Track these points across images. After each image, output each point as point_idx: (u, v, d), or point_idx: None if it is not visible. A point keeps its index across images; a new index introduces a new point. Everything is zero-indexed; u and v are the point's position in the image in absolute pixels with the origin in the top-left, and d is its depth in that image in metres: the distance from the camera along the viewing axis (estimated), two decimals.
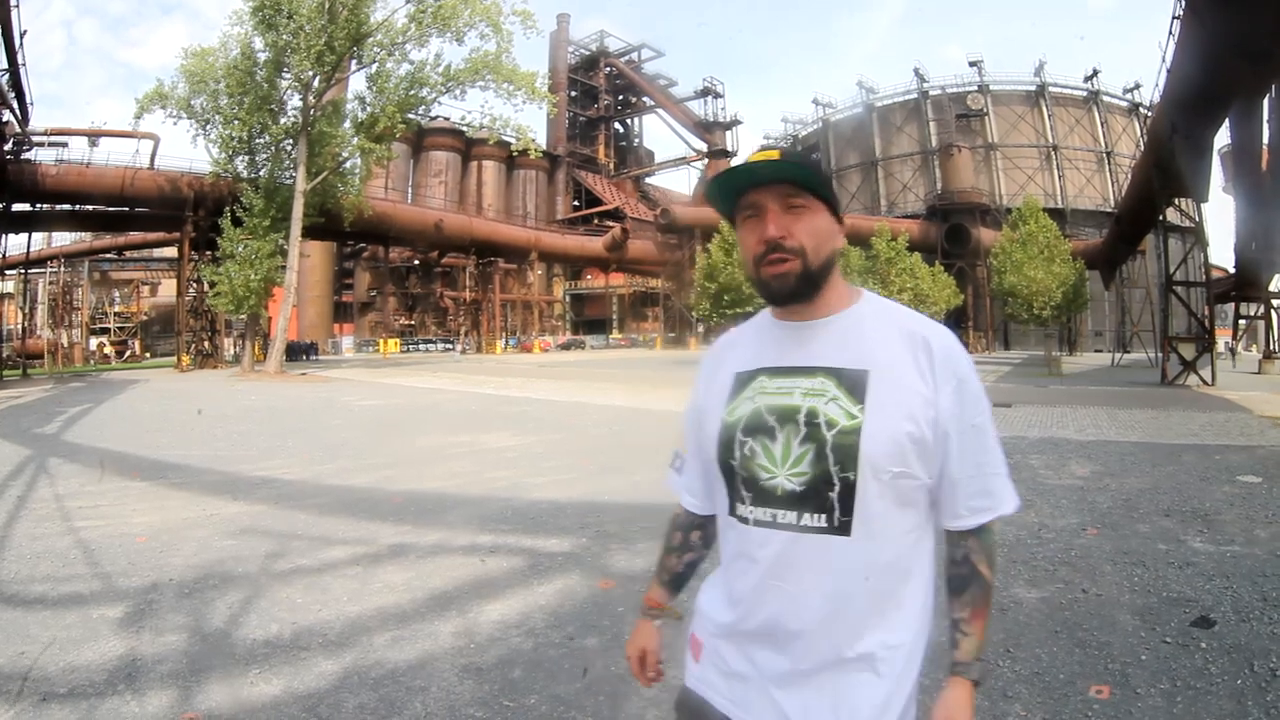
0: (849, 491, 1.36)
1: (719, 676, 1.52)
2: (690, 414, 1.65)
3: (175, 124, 33.98)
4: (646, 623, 1.76)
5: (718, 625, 1.53)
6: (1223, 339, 35.69)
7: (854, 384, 1.39)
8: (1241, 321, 36.99)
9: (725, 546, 1.57)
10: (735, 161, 1.53)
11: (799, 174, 1.42)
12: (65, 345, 51.05)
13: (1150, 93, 29.57)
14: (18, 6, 25.90)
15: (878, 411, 1.36)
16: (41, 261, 55.73)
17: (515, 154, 37.51)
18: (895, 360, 1.41)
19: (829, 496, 1.37)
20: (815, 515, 1.39)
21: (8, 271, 44.25)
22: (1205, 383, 23.46)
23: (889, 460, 1.35)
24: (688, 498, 1.72)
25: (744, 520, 1.47)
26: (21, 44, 27.57)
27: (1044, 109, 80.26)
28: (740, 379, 1.53)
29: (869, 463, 1.35)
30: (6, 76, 27.62)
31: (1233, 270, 28.96)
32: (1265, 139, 22.51)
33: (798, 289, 1.46)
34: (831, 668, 1.39)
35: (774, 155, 1.43)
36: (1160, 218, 29.40)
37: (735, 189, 1.48)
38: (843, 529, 1.37)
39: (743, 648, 1.48)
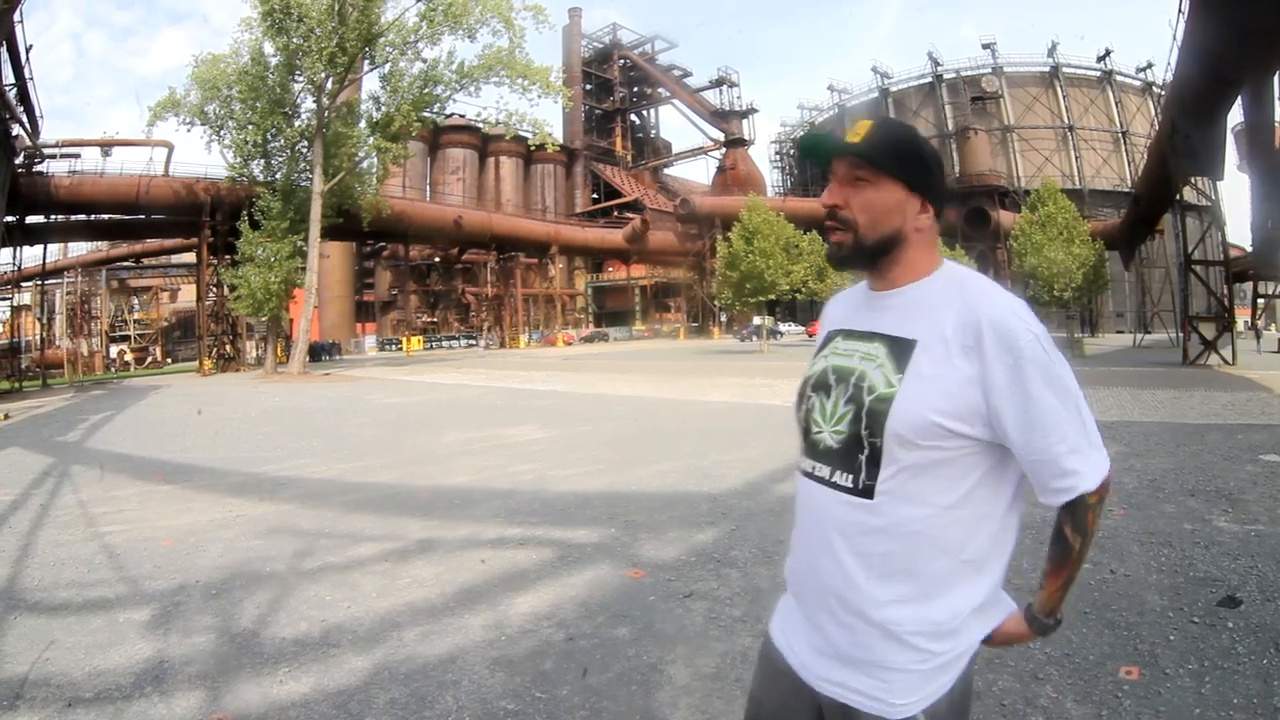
0: (875, 457, 1.39)
1: (781, 618, 1.61)
2: None
3: (189, 130, 34.18)
4: None
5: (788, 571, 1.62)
6: (1242, 318, 35.28)
7: (900, 353, 1.42)
8: (1260, 300, 36.54)
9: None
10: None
11: (853, 150, 1.45)
12: (85, 354, 51.37)
13: (1163, 71, 29.21)
14: (21, 21, 26.04)
15: (914, 383, 1.38)
16: (58, 272, 56.13)
17: (532, 149, 37.64)
18: (944, 334, 1.39)
19: (858, 459, 1.41)
20: (844, 475, 1.44)
21: (24, 283, 44.47)
22: (1226, 362, 23.24)
23: (915, 433, 1.36)
24: None
25: (801, 471, 1.55)
26: (28, 58, 27.71)
27: (1058, 90, 79.50)
28: (827, 338, 1.61)
29: (894, 433, 1.37)
30: (14, 91, 27.75)
31: (1250, 248, 28.60)
32: (1278, 116, 22.26)
33: (849, 260, 1.50)
34: (855, 627, 1.42)
35: (866, 126, 1.46)
36: (1177, 197, 29.11)
37: (822, 156, 1.52)
38: (866, 493, 1.41)
39: (793, 591, 1.58)
